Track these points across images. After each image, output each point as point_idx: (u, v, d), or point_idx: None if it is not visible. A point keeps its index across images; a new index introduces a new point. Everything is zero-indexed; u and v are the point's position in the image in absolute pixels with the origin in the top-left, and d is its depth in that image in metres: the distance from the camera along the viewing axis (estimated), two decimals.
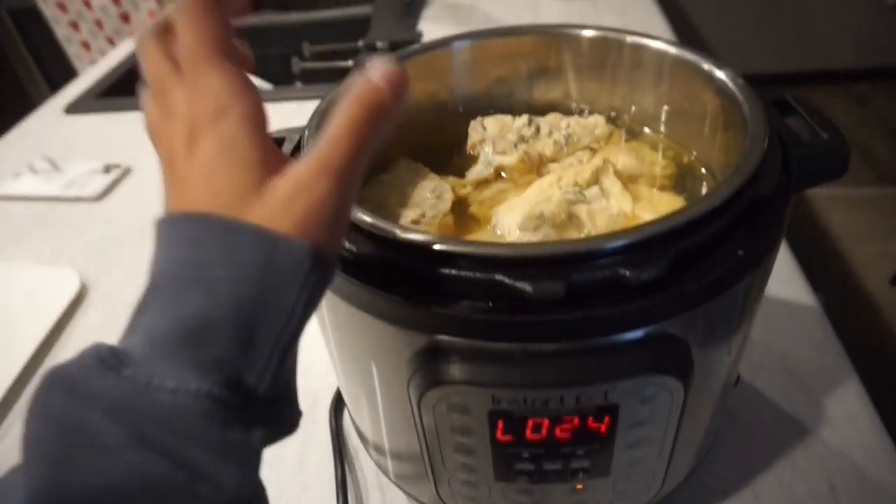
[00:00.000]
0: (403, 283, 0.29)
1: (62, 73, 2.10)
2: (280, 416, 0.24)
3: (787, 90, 0.39)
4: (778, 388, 0.51)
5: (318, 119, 0.39)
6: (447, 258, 0.28)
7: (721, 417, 0.45)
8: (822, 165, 0.34)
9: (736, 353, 0.36)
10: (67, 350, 0.63)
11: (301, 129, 0.39)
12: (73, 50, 2.28)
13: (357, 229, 0.30)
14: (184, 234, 0.24)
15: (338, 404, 0.53)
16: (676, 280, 0.27)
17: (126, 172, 0.91)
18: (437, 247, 0.27)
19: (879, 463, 0.45)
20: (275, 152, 0.26)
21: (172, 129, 0.26)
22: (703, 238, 0.28)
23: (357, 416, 0.44)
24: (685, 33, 2.29)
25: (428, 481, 0.37)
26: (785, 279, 0.60)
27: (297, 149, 0.39)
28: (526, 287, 0.26)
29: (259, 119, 0.26)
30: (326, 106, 0.40)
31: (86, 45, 2.28)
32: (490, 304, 0.27)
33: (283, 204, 0.23)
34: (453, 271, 0.27)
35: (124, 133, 1.02)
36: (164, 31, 0.27)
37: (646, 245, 0.27)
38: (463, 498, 0.36)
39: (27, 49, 2.21)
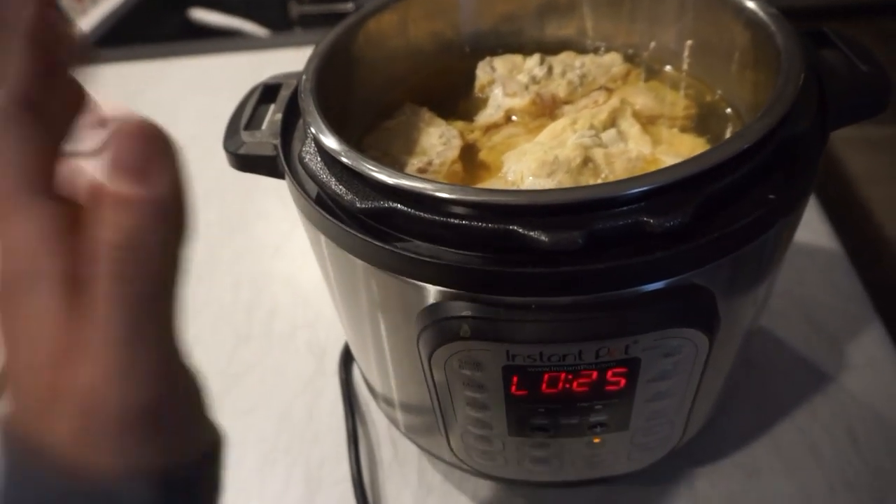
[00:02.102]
0: (411, 235, 0.27)
1: None
2: None
3: (810, 25, 0.36)
4: (799, 336, 0.50)
5: (317, 62, 0.36)
6: (457, 207, 0.26)
7: (741, 364, 0.44)
8: (861, 100, 0.31)
9: (762, 302, 0.34)
10: None
11: (298, 74, 0.37)
12: (66, 2, 2.21)
13: (360, 178, 0.28)
14: None
15: (347, 356, 0.52)
16: (703, 228, 0.25)
17: None
18: (445, 195, 0.26)
19: None
20: (80, 326, 0.18)
21: None
22: (731, 182, 0.26)
23: (366, 370, 0.43)
24: None
25: (440, 436, 0.36)
26: (807, 223, 0.58)
27: (294, 97, 0.37)
28: (542, 237, 0.24)
29: (64, 284, 0.18)
30: (320, 63, 0.37)
31: None
32: (504, 255, 0.26)
33: (81, 420, 0.17)
34: (464, 221, 0.26)
35: (119, 84, 0.99)
36: None
37: (670, 190, 0.25)
38: (476, 452, 0.35)
39: None
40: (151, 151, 0.17)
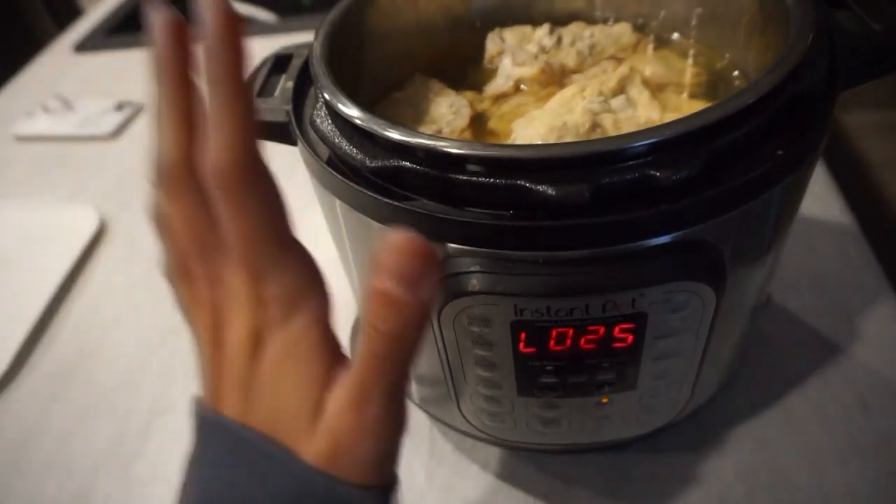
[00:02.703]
0: (420, 194, 0.28)
1: (68, 11, 2.06)
2: None
3: None
4: (810, 308, 0.49)
5: (327, 28, 0.37)
6: (463, 162, 0.26)
7: (750, 336, 0.44)
8: (873, 58, 0.31)
9: (771, 265, 0.34)
10: (91, 285, 0.63)
11: (309, 44, 0.37)
12: None
13: (370, 137, 0.29)
14: (241, 458, 0.22)
15: (356, 332, 0.53)
16: (710, 181, 0.25)
17: (138, 110, 0.90)
18: (452, 150, 0.26)
19: None
20: (337, 357, 0.23)
21: (221, 307, 0.23)
22: (739, 136, 0.26)
23: None
24: None
25: (451, 400, 0.36)
26: (820, 196, 0.58)
27: (305, 66, 0.37)
28: (548, 191, 0.25)
29: (327, 320, 0.23)
30: (331, 29, 0.37)
31: None
32: (511, 210, 0.26)
33: (334, 441, 0.22)
34: (471, 178, 0.26)
35: (135, 70, 1.00)
36: (187, 175, 0.22)
37: (677, 143, 0.25)
38: (486, 414, 0.35)
39: None
40: (427, 267, 0.20)
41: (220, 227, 0.22)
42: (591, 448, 0.41)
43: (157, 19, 0.23)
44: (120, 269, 0.65)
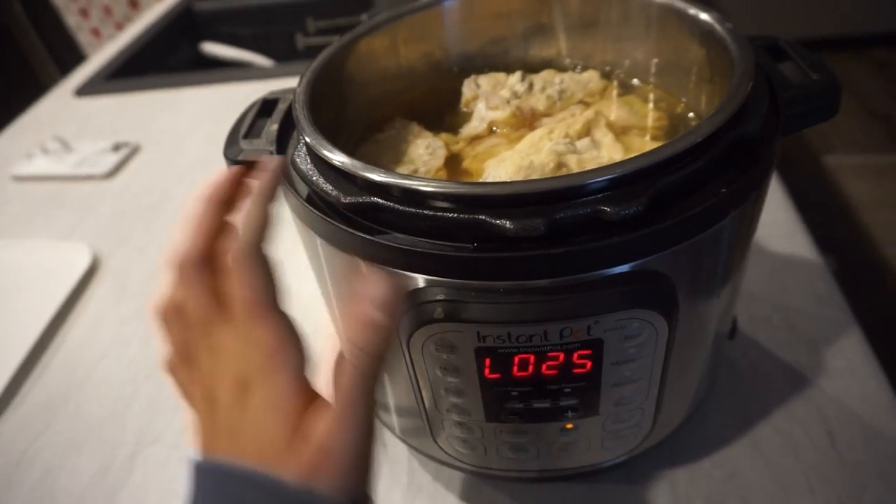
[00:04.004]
0: (391, 228, 0.30)
1: (74, 61, 2.13)
2: None
3: (789, 42, 0.38)
4: (778, 341, 0.51)
5: (310, 76, 0.39)
6: (430, 199, 0.28)
7: (717, 367, 0.46)
8: (811, 105, 0.33)
9: (727, 298, 0.36)
10: (82, 320, 0.65)
11: (293, 90, 0.40)
12: (83, 38, 2.31)
13: (344, 175, 0.31)
14: (229, 489, 0.25)
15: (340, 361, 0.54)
16: (657, 216, 0.27)
17: (135, 150, 0.92)
18: (418, 187, 0.28)
19: (879, 411, 0.45)
20: (313, 397, 0.26)
21: (216, 372, 0.27)
22: (684, 175, 0.28)
23: None
24: None
25: (425, 429, 0.38)
26: (789, 235, 0.60)
27: (290, 109, 0.39)
28: (507, 224, 0.27)
29: (304, 371, 0.27)
30: (313, 76, 0.40)
31: (96, 33, 2.31)
32: (474, 243, 0.28)
33: (317, 457, 0.24)
34: (437, 212, 0.28)
35: (132, 113, 1.04)
36: (204, 263, 0.29)
37: (626, 181, 0.27)
38: (458, 441, 0.37)
39: (39, 39, 2.23)
40: (397, 295, 0.26)
41: (224, 299, 0.28)
42: (564, 476, 0.42)
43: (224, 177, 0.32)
44: (110, 304, 0.66)
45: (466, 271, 0.28)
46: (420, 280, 0.29)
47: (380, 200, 0.29)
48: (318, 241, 0.33)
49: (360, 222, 0.30)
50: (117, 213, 0.81)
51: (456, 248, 0.28)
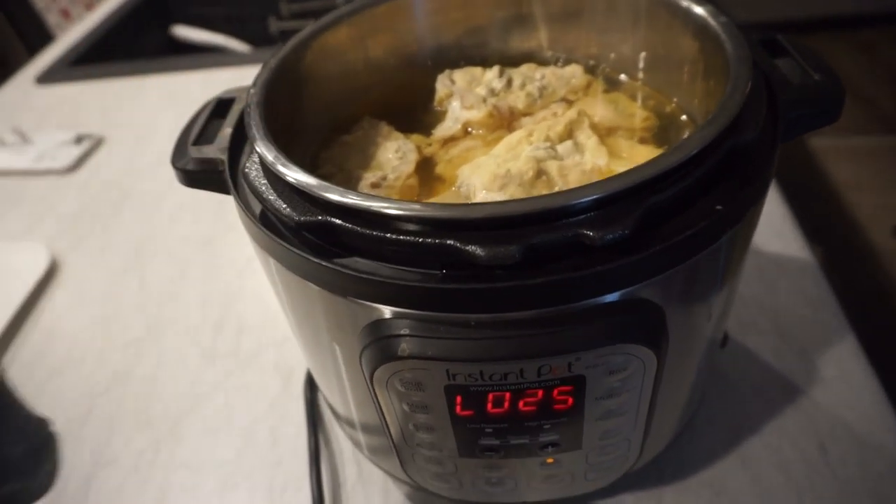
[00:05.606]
0: (350, 251, 0.26)
1: (43, 43, 2.04)
2: None
3: (790, 38, 0.35)
4: (769, 348, 0.49)
5: (266, 75, 0.36)
6: (392, 222, 0.25)
7: (707, 379, 0.44)
8: (813, 109, 0.30)
9: (719, 315, 0.33)
10: (38, 329, 0.61)
11: (248, 88, 0.36)
12: (52, 19, 2.21)
13: (298, 192, 0.28)
14: None
15: (312, 378, 0.51)
16: (645, 240, 0.25)
17: (98, 142, 0.88)
18: (379, 209, 0.25)
19: (873, 423, 0.43)
20: None
21: None
22: (675, 192, 0.25)
23: (327, 392, 0.42)
24: None
25: (395, 460, 0.35)
26: (778, 232, 0.58)
27: (241, 116, 0.35)
28: (478, 252, 0.24)
29: None
30: (271, 75, 0.36)
31: (65, 14, 2.22)
32: (441, 271, 0.25)
33: None
34: (400, 236, 0.25)
35: (96, 102, 0.98)
36: None
37: (610, 202, 0.24)
38: (429, 474, 0.34)
39: (7, 21, 2.14)
40: None
41: None
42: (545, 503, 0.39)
43: None
44: (69, 311, 0.63)
45: (433, 302, 0.25)
46: (383, 311, 0.26)
47: (338, 221, 0.26)
48: (272, 261, 0.30)
49: (317, 244, 0.27)
50: (78, 211, 0.76)
51: (422, 276, 0.25)
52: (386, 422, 0.31)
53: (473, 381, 0.26)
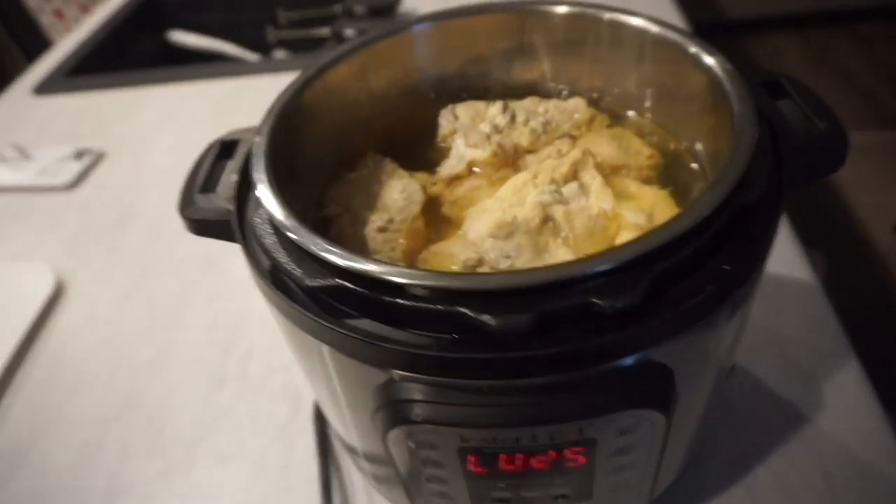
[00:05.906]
0: (362, 314, 0.27)
1: (38, 44, 2.03)
2: None
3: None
4: (774, 374, 0.49)
5: (272, 121, 0.36)
6: (405, 290, 0.25)
7: (715, 409, 0.44)
8: (817, 159, 0.31)
9: (726, 359, 0.34)
10: (46, 355, 0.61)
11: (254, 129, 0.36)
12: (46, 20, 2.20)
13: (311, 257, 0.28)
14: None
15: (320, 409, 0.51)
16: (655, 306, 0.25)
17: (99, 158, 0.88)
18: (393, 278, 0.25)
19: (878, 452, 0.44)
20: None
21: None
22: (682, 258, 0.25)
23: (337, 428, 0.42)
24: None
25: (408, 501, 0.35)
26: (783, 255, 0.58)
27: (247, 164, 0.35)
28: (489, 320, 0.24)
29: None
30: (281, 107, 0.36)
31: (59, 14, 2.20)
32: (453, 338, 0.25)
33: None
34: (413, 303, 0.25)
35: (95, 114, 0.98)
36: None
37: (620, 271, 0.24)
38: None
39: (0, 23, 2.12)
40: None
41: None
42: None
43: None
44: (77, 334, 0.63)
45: (446, 368, 0.26)
46: (395, 375, 0.27)
47: (349, 286, 0.26)
48: (283, 318, 0.30)
49: (329, 304, 0.28)
50: (81, 229, 0.76)
51: (434, 342, 0.25)
52: (398, 469, 0.31)
53: (486, 444, 0.26)
